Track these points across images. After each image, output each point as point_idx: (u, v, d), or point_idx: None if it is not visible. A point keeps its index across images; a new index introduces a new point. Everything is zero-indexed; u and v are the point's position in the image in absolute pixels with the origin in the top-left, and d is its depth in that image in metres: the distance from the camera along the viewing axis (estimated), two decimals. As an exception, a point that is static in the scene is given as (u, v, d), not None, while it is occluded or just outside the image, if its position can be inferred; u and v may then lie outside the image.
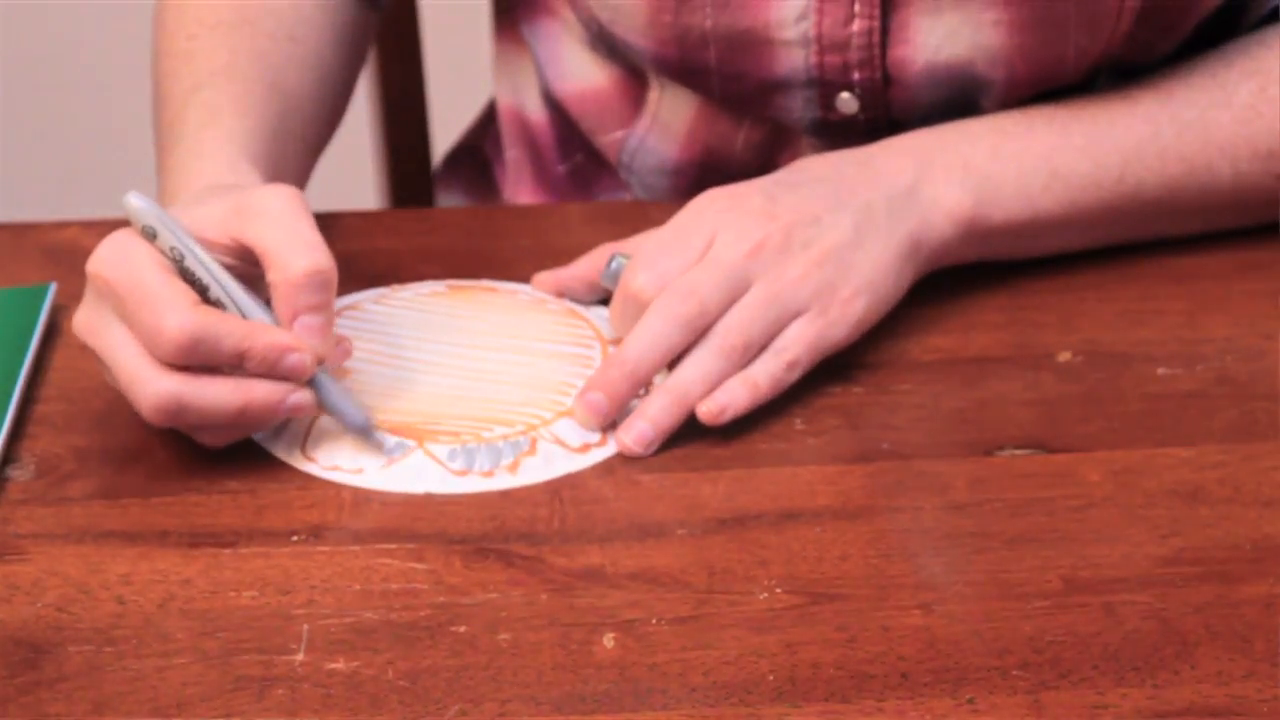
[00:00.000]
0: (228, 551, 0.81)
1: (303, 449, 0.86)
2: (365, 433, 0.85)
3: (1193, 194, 0.97)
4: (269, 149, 0.94)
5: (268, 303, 0.84)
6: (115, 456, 0.86)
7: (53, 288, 0.95)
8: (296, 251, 0.83)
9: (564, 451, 0.86)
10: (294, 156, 0.98)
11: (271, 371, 0.83)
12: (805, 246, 0.90)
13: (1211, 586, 0.78)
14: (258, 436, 0.86)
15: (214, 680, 0.74)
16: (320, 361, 0.84)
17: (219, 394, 0.82)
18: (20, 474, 0.85)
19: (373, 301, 0.94)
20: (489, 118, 1.26)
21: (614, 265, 0.92)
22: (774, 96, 1.01)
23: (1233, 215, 0.99)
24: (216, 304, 0.83)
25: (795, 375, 0.89)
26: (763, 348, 0.88)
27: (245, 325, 0.82)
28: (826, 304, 0.89)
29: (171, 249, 0.83)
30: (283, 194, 0.85)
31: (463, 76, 1.56)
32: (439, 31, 1.41)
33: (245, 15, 1.01)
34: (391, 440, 0.85)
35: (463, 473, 0.85)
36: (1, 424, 0.86)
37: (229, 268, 0.84)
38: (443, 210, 1.18)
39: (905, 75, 0.99)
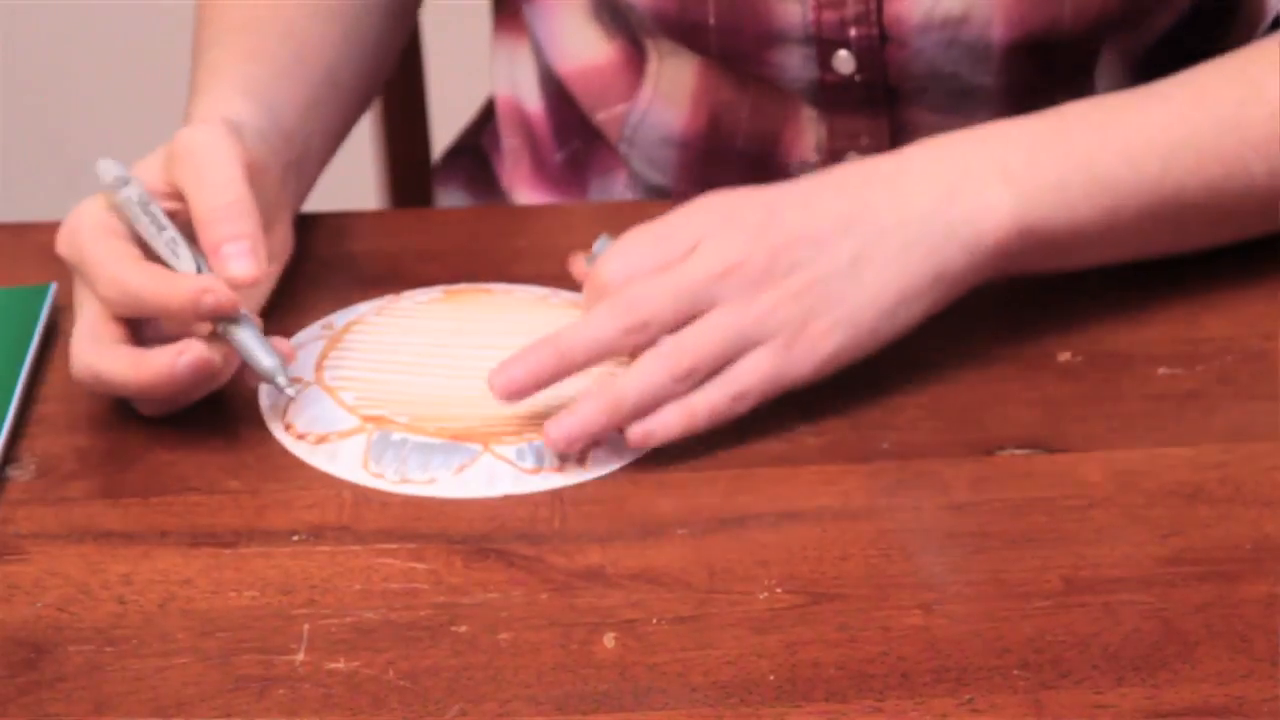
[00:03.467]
0: (228, 551, 0.81)
1: (365, 465, 0.85)
2: (274, 375, 0.85)
3: (1231, 197, 0.94)
4: (273, 83, 0.95)
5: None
6: (115, 456, 0.86)
7: (53, 288, 0.95)
8: (212, 188, 0.85)
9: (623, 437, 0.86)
10: (316, 91, 0.98)
11: (198, 318, 0.84)
12: (788, 273, 0.86)
13: (1211, 586, 0.78)
14: (321, 464, 0.85)
15: (214, 680, 0.74)
16: (238, 307, 0.84)
17: (118, 366, 0.84)
18: (20, 474, 0.85)
19: (375, 314, 0.93)
20: (486, 116, 1.26)
21: (597, 246, 0.91)
22: (771, 53, 1.01)
23: (1264, 219, 0.96)
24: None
25: (743, 408, 0.86)
26: (713, 373, 0.86)
27: (161, 277, 0.84)
28: (792, 338, 0.86)
29: (138, 201, 0.86)
30: (206, 130, 0.87)
31: (462, 75, 1.55)
32: (439, 31, 1.41)
33: None
34: (296, 388, 0.86)
35: (535, 470, 0.84)
36: (1, 424, 0.86)
37: (174, 214, 0.87)
38: (442, 210, 1.18)
39: (902, 32, 0.99)
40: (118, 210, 0.87)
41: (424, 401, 0.87)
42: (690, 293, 0.85)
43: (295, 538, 0.81)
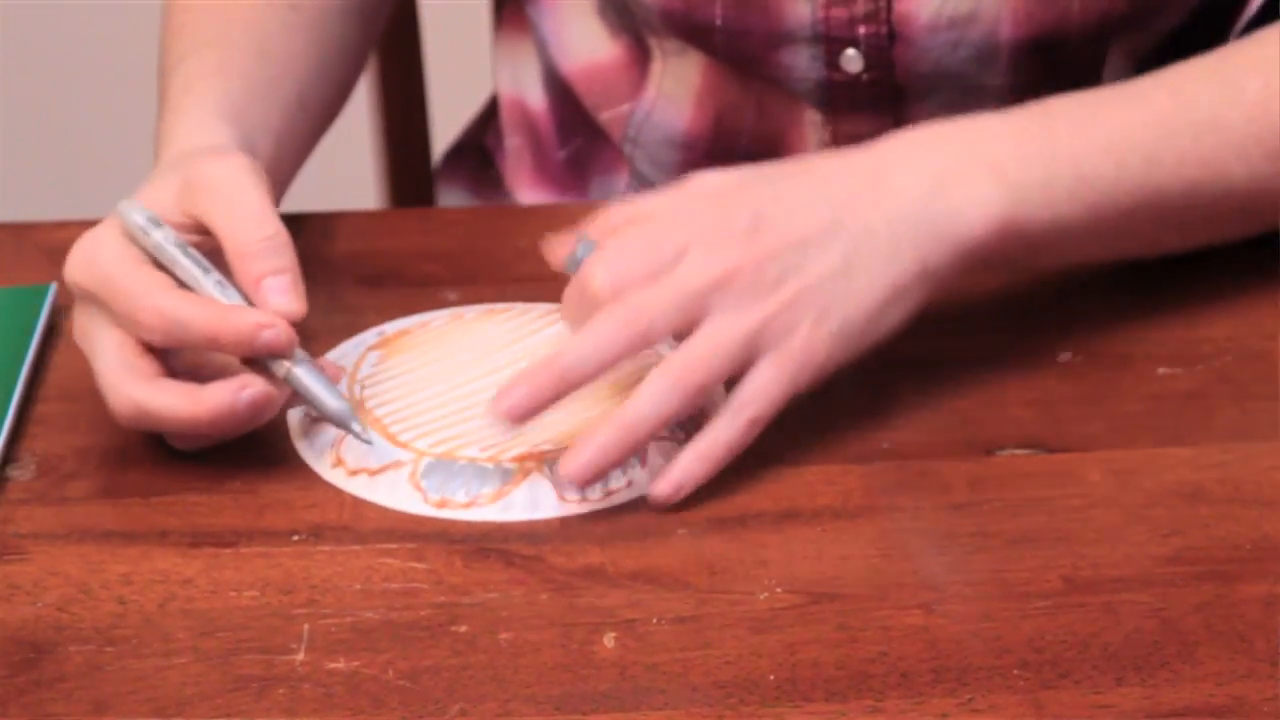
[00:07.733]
0: (228, 551, 0.81)
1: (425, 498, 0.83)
2: (345, 421, 0.83)
3: (1210, 198, 0.94)
4: (249, 106, 0.94)
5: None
6: (115, 456, 0.86)
7: (53, 288, 0.95)
8: (246, 223, 0.83)
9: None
10: (289, 118, 0.97)
11: (250, 353, 0.82)
12: (780, 281, 0.84)
13: (1211, 586, 0.78)
14: (369, 495, 0.84)
15: (214, 680, 0.74)
16: (294, 345, 0.83)
17: (171, 401, 0.82)
18: (20, 474, 0.85)
19: (374, 348, 0.91)
20: (489, 114, 1.26)
21: (579, 251, 0.87)
22: (778, 54, 1.01)
23: (1242, 221, 0.96)
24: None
25: (757, 432, 0.84)
26: (721, 381, 0.84)
27: (214, 307, 0.82)
28: (791, 351, 0.84)
29: (175, 244, 0.84)
30: (227, 163, 0.85)
31: (462, 74, 1.55)
32: (439, 31, 1.41)
33: None
34: (374, 433, 0.84)
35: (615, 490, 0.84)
36: (1, 424, 0.86)
37: (195, 245, 0.84)
38: (443, 210, 1.18)
39: (911, 30, 0.99)
40: (138, 243, 0.84)
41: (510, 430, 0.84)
42: (689, 301, 0.83)
43: (295, 538, 0.82)
